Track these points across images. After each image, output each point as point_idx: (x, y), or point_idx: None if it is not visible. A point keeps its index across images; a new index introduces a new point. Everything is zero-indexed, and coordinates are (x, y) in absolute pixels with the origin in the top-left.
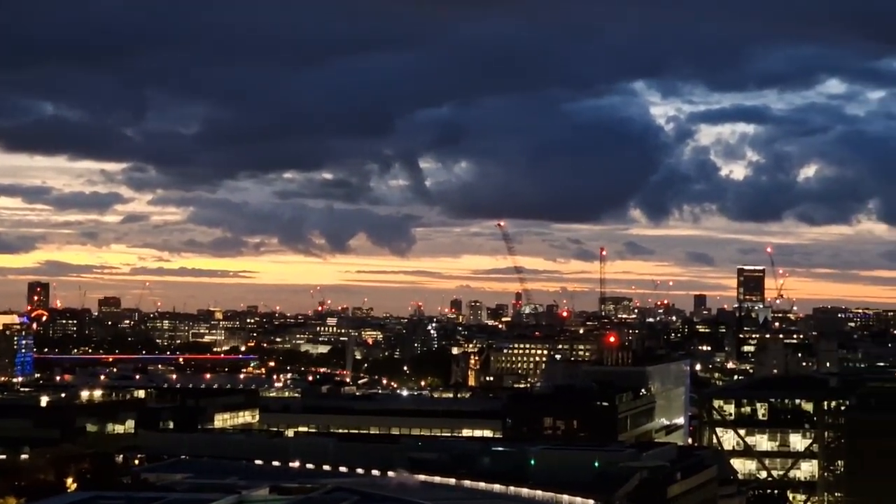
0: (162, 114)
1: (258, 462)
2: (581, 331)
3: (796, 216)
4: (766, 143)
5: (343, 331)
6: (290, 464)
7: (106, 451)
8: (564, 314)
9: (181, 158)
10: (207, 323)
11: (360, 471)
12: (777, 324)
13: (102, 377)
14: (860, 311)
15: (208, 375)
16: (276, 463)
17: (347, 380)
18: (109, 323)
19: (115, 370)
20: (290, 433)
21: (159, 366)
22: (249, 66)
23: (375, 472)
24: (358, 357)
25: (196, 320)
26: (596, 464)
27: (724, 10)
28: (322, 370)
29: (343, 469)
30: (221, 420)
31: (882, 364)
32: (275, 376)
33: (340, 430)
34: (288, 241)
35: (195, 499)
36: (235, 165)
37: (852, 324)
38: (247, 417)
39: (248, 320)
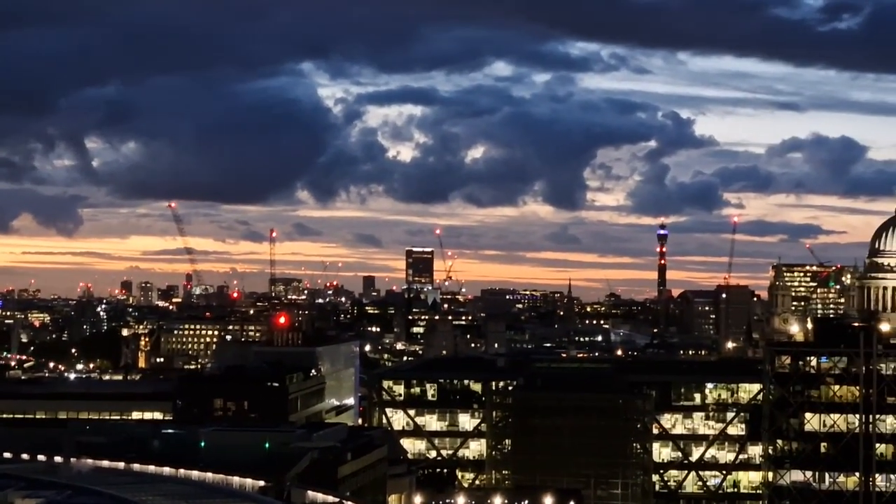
0: None
1: None
2: (251, 311)
3: (463, 197)
4: (433, 125)
5: (8, 313)
6: None
7: None
8: (235, 295)
9: None
10: None
11: (25, 457)
12: (446, 305)
13: None
14: (527, 292)
15: None
16: None
17: (13, 364)
18: None
19: None
20: None
21: None
22: None
23: (41, 458)
24: (24, 340)
25: None
26: (266, 445)
27: None
28: None
29: (7, 455)
30: None
31: (548, 344)
32: None
33: (5, 416)
34: None
35: None
36: None
37: (520, 305)
38: None
39: None
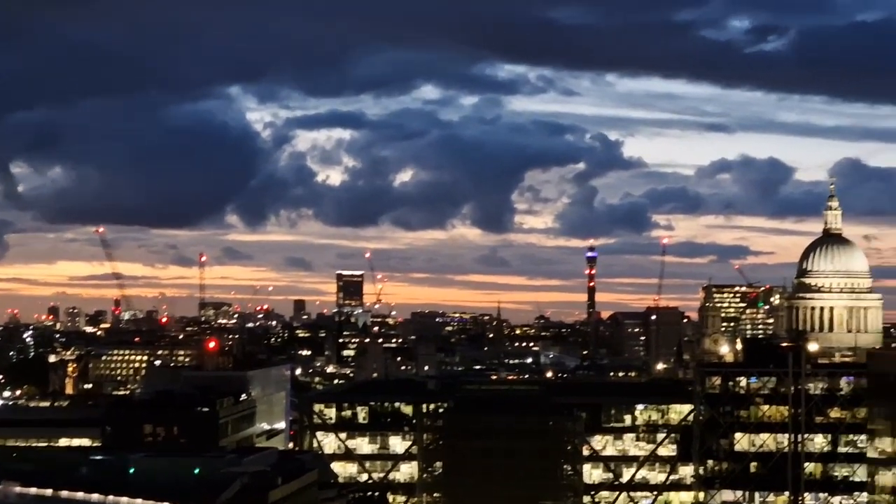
0: None
1: None
2: (181, 336)
3: (393, 221)
4: (362, 149)
5: None
6: None
7: None
8: (164, 320)
9: None
10: None
11: None
12: (376, 328)
13: None
14: (457, 315)
15: None
16: None
17: None
18: None
19: None
20: None
21: None
22: None
23: None
24: None
25: None
26: (196, 470)
27: (320, 14)
28: None
29: None
30: None
31: (479, 367)
32: None
33: None
34: None
35: None
36: None
37: (450, 328)
38: None
39: None
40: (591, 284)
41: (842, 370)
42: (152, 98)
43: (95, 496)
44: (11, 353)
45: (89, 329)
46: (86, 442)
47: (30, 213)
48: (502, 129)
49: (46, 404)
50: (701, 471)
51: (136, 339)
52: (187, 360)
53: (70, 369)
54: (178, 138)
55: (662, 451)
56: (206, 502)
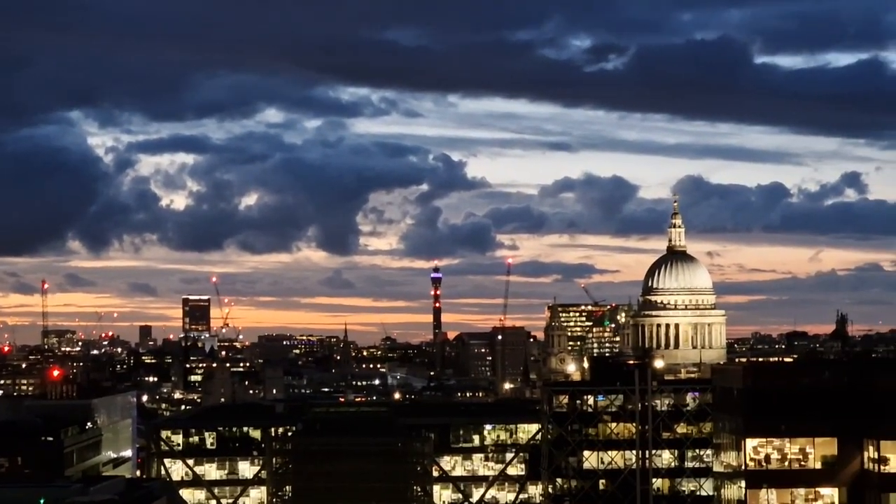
0: None
1: None
2: (24, 365)
3: (238, 245)
4: (205, 173)
5: None
6: None
7: None
8: (6, 349)
9: None
10: None
11: None
12: (224, 353)
13: None
14: (304, 337)
15: None
16: None
17: None
18: None
19: None
20: None
21: None
22: None
23: None
24: None
25: None
26: (42, 501)
27: (162, 38)
28: None
29: None
30: None
31: (326, 389)
32: None
33: None
34: None
35: None
36: None
37: (297, 351)
38: None
39: None
40: (437, 305)
41: (687, 386)
42: None
43: None
44: None
45: None
46: None
47: None
48: (345, 152)
49: None
50: (550, 489)
51: None
52: (30, 389)
53: None
54: (17, 164)
55: (511, 471)
56: None
